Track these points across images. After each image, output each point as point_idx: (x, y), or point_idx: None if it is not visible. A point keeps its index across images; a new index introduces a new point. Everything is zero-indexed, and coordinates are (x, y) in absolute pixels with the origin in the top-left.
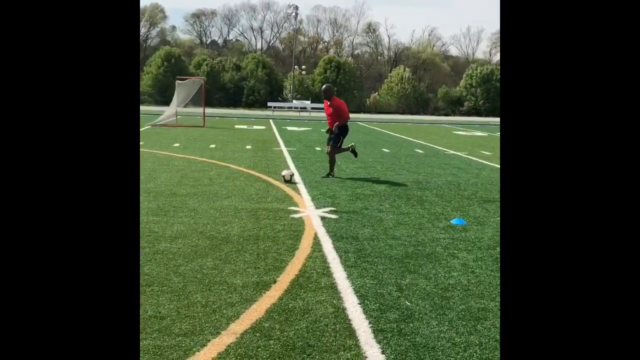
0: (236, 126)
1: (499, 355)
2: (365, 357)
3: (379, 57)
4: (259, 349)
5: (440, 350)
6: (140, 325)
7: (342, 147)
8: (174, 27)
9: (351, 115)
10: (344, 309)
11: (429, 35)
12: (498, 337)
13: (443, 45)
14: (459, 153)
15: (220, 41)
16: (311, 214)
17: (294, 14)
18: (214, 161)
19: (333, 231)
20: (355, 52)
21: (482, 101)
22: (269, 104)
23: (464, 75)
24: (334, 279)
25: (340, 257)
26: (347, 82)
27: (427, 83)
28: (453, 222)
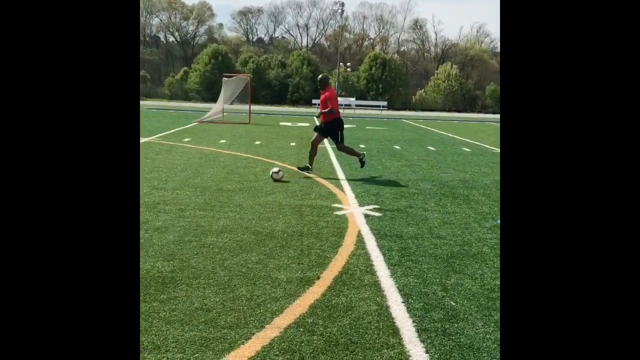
0: (281, 123)
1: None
2: (409, 355)
3: (425, 54)
4: (303, 344)
5: (485, 352)
6: (187, 317)
7: (348, 146)
8: (221, 25)
9: (397, 113)
10: (387, 307)
11: (477, 31)
12: None
13: (492, 41)
14: None
15: (266, 38)
16: (355, 211)
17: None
18: (259, 158)
19: (377, 229)
20: (402, 49)
21: None
22: (314, 101)
23: None
24: (378, 277)
25: (384, 255)
26: (392, 79)
27: (475, 80)
28: (500, 222)
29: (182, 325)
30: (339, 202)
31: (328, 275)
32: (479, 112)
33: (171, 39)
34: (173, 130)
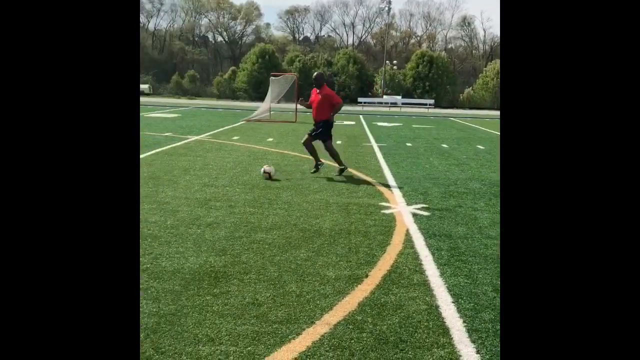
0: None
1: None
2: (460, 355)
3: (473, 51)
4: (352, 341)
5: None
6: (239, 311)
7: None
8: (268, 25)
9: (444, 111)
10: (437, 307)
11: None
12: None
13: None
14: None
15: (312, 37)
16: (402, 210)
17: (386, 8)
18: (306, 156)
19: (425, 228)
20: (449, 46)
21: None
22: (360, 99)
23: None
24: (427, 276)
25: (433, 254)
26: (439, 77)
27: None
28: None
29: (235, 319)
30: (386, 200)
31: (376, 274)
32: None
33: (219, 38)
34: (222, 129)
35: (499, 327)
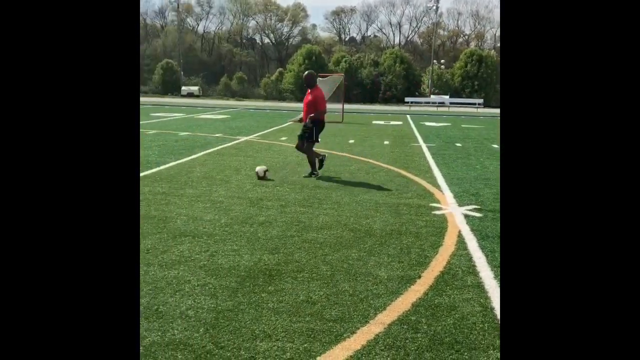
0: (373, 122)
1: None
2: None
3: None
4: (407, 341)
5: None
6: (294, 309)
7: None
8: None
9: (494, 111)
10: (492, 309)
11: None
12: None
13: None
14: None
15: (358, 38)
16: (454, 211)
17: (434, 7)
18: (353, 156)
19: (478, 230)
20: (498, 45)
21: None
22: (407, 99)
23: None
24: (481, 278)
25: (487, 256)
26: (489, 76)
27: None
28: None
29: (290, 316)
30: (437, 201)
31: (429, 275)
32: None
33: (266, 40)
34: (270, 130)
35: None
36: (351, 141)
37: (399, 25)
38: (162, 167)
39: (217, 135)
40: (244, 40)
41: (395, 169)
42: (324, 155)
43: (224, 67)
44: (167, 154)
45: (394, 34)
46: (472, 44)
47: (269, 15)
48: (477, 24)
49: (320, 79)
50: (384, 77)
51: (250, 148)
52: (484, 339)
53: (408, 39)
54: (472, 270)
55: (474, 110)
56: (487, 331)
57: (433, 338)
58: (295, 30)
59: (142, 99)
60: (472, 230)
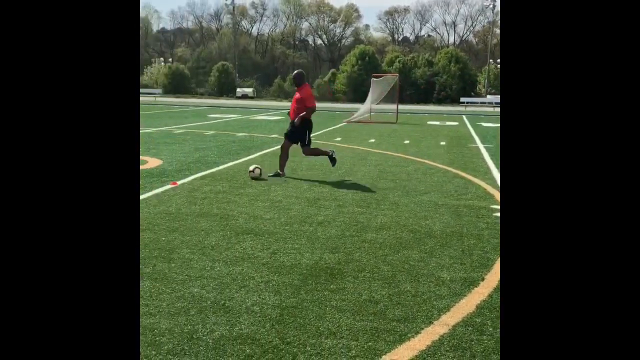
0: (428, 122)
1: None
2: None
3: None
4: (473, 343)
5: None
6: (357, 307)
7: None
8: (367, 26)
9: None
10: None
11: None
12: None
13: None
14: None
15: (411, 37)
16: None
17: (491, 5)
18: (409, 157)
19: None
20: None
21: None
22: (462, 99)
23: None
24: None
25: None
26: None
27: None
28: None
29: (353, 314)
30: (498, 203)
31: (493, 278)
32: None
33: (319, 41)
34: (324, 130)
35: None
36: (406, 142)
37: (454, 24)
38: (221, 167)
39: (272, 136)
40: (297, 42)
41: (453, 170)
42: (333, 151)
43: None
44: (226, 154)
45: (448, 34)
46: None
47: (322, 16)
48: None
49: (375, 79)
50: (439, 77)
51: None
52: None
53: (463, 38)
54: None
55: None
56: None
57: (499, 341)
58: (348, 31)
59: (199, 101)
60: None
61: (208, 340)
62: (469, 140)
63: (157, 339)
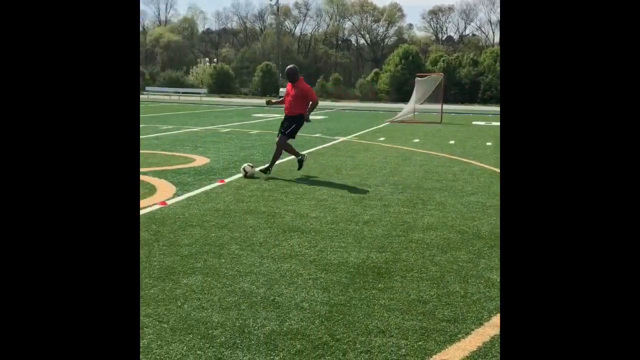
0: (473, 122)
1: None
2: None
3: None
4: None
5: None
6: (406, 307)
7: (293, 147)
8: (410, 25)
9: None
10: None
11: None
12: None
13: None
14: None
15: (456, 37)
16: None
17: None
18: (455, 157)
19: None
20: None
21: None
22: None
23: None
24: None
25: None
26: None
27: None
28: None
29: (402, 314)
30: None
31: None
32: None
33: (362, 41)
34: (367, 130)
35: None
36: (451, 142)
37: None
38: (267, 166)
39: (316, 135)
40: (340, 42)
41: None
42: (304, 155)
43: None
44: (270, 152)
45: (493, 33)
46: None
47: (365, 16)
48: None
49: (419, 78)
50: (484, 76)
51: (348, 148)
52: None
53: None
54: None
55: None
56: None
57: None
58: (391, 31)
59: (243, 100)
60: None
61: (259, 334)
62: None
63: (210, 332)
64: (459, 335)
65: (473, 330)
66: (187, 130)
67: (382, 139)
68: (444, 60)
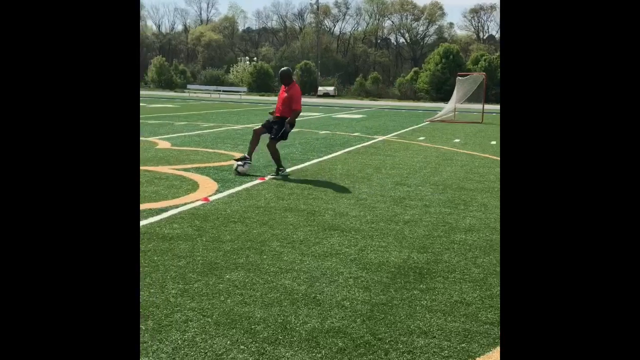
0: None
1: None
2: None
3: None
4: None
5: None
6: (448, 308)
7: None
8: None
9: None
10: None
11: None
12: None
13: None
14: None
15: (497, 35)
16: None
17: None
18: (497, 158)
19: None
20: None
21: None
22: None
23: None
24: None
25: None
26: None
27: None
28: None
29: (445, 315)
30: None
31: None
32: None
33: (401, 40)
34: (407, 129)
35: None
36: (493, 142)
37: None
38: (306, 164)
39: (355, 134)
40: (379, 40)
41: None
42: (284, 169)
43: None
44: (310, 151)
45: None
46: None
47: (405, 14)
48: None
49: (460, 78)
50: None
51: (388, 147)
52: None
53: None
54: None
55: None
56: None
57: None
58: (431, 29)
59: None
60: None
61: (301, 331)
62: None
63: (253, 327)
64: None
65: None
66: (228, 128)
67: (421, 138)
68: (485, 60)
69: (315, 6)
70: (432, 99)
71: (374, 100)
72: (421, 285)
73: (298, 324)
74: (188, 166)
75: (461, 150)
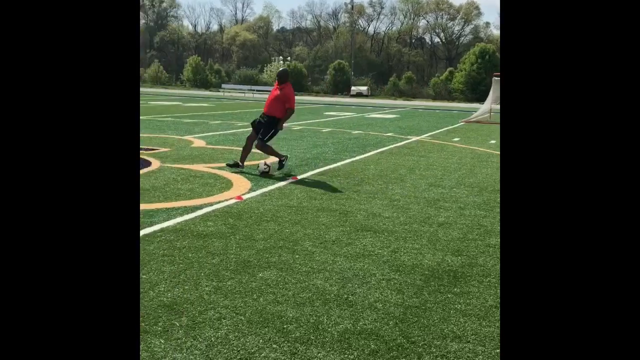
0: None
1: None
2: None
3: None
4: None
5: None
6: (483, 313)
7: (273, 148)
8: (487, 24)
9: None
10: None
11: None
12: None
13: None
14: None
15: None
16: None
17: None
18: None
19: None
20: None
21: None
22: None
23: None
24: None
25: None
26: None
27: None
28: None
29: (479, 319)
30: None
31: None
32: None
33: (436, 39)
34: (441, 130)
35: None
36: None
37: None
38: (339, 164)
39: (388, 134)
40: (413, 40)
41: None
42: (286, 156)
43: (392, 67)
44: (342, 151)
45: None
46: None
47: (441, 14)
48: None
49: (496, 78)
50: None
51: (422, 148)
52: None
53: None
54: None
55: None
56: None
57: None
58: (467, 29)
59: (315, 99)
60: None
61: (333, 332)
62: None
63: (285, 326)
64: None
65: None
66: None
67: (456, 139)
68: None
69: (349, 6)
70: (467, 99)
71: (408, 100)
72: (455, 289)
73: (330, 325)
74: (222, 165)
75: (497, 152)
